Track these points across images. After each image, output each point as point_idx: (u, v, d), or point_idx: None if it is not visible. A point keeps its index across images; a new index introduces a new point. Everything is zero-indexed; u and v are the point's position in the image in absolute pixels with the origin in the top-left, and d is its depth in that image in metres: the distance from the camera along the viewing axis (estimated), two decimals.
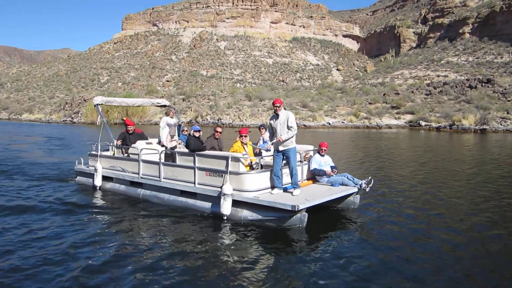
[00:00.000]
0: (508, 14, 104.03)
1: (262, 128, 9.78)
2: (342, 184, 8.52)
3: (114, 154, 10.94)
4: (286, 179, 7.98)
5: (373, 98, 59.97)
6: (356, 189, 8.37)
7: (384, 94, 61.88)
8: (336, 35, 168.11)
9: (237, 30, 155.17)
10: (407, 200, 9.49)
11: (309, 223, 7.06)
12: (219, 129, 9.34)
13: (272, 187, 7.83)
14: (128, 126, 10.99)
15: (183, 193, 8.54)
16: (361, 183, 8.36)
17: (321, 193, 7.89)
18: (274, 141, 7.80)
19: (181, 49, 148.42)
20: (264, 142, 9.45)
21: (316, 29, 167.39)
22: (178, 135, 10.61)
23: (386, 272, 5.35)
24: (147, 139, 10.98)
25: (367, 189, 8.46)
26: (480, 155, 19.64)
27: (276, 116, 7.86)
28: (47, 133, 37.49)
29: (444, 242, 6.49)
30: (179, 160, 8.79)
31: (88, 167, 11.29)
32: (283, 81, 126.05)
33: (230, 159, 7.61)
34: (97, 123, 13.31)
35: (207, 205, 8.01)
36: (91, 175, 10.75)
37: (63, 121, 66.52)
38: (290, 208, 6.84)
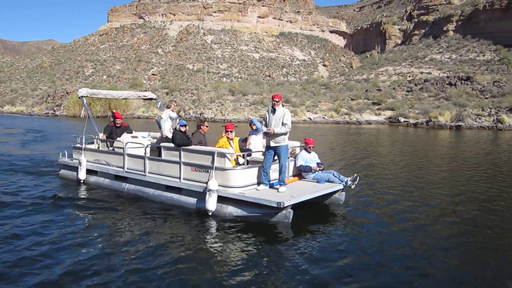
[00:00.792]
0: (491, 13, 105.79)
1: (253, 124, 9.67)
2: (328, 181, 8.56)
3: (99, 147, 10.78)
4: (273, 175, 7.97)
5: (355, 94, 60.10)
6: (341, 186, 8.42)
7: (366, 90, 62.06)
8: (323, 31, 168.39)
9: (224, 24, 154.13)
10: (392, 196, 9.60)
11: (294, 220, 7.09)
12: (206, 124, 9.33)
13: (259, 183, 7.82)
14: (116, 119, 10.86)
15: (168, 188, 8.47)
16: (347, 180, 8.42)
17: (306, 190, 7.91)
18: (265, 130, 7.71)
19: (168, 42, 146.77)
20: (255, 130, 9.31)
21: (303, 24, 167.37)
22: None
23: (371, 267, 5.41)
24: (131, 132, 10.87)
25: (353, 186, 8.53)
26: (455, 152, 19.97)
27: (273, 110, 7.81)
28: (28, 125, 36.76)
29: (428, 235, 6.61)
30: (164, 154, 8.71)
31: (72, 160, 11.12)
32: (269, 76, 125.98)
33: (216, 155, 7.57)
34: (82, 116, 13.05)
35: (192, 200, 7.96)
36: (75, 169, 10.59)
37: (45, 113, 65.54)
38: (275, 205, 6.85)
